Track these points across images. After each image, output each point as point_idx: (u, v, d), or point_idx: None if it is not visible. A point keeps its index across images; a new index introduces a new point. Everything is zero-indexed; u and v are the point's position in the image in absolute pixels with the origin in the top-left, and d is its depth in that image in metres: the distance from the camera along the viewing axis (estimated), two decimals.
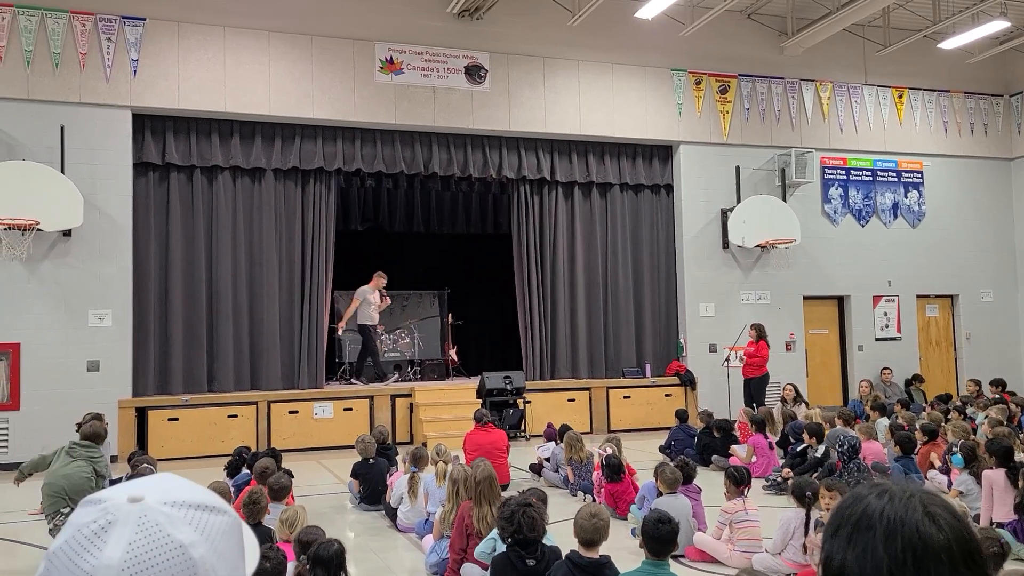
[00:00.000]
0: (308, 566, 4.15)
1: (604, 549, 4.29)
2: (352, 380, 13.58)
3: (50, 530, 6.69)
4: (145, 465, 7.08)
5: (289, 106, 12.38)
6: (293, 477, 6.68)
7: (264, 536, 5.18)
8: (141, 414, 11.57)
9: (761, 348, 12.74)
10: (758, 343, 12.77)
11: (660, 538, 4.07)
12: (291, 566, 4.57)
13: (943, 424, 9.16)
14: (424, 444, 10.76)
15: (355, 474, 8.29)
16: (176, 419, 11.64)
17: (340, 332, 14.01)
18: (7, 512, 8.22)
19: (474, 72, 13.33)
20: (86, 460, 6.87)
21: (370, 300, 13.48)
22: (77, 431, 8.03)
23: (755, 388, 12.70)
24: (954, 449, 7.76)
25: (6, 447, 10.75)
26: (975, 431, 9.06)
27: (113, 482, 8.05)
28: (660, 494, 6.38)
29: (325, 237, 13.00)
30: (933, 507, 1.05)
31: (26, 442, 10.29)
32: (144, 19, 11.75)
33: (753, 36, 15.08)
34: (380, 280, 13.68)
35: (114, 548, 0.83)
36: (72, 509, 5.62)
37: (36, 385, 10.95)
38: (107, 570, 0.82)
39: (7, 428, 10.78)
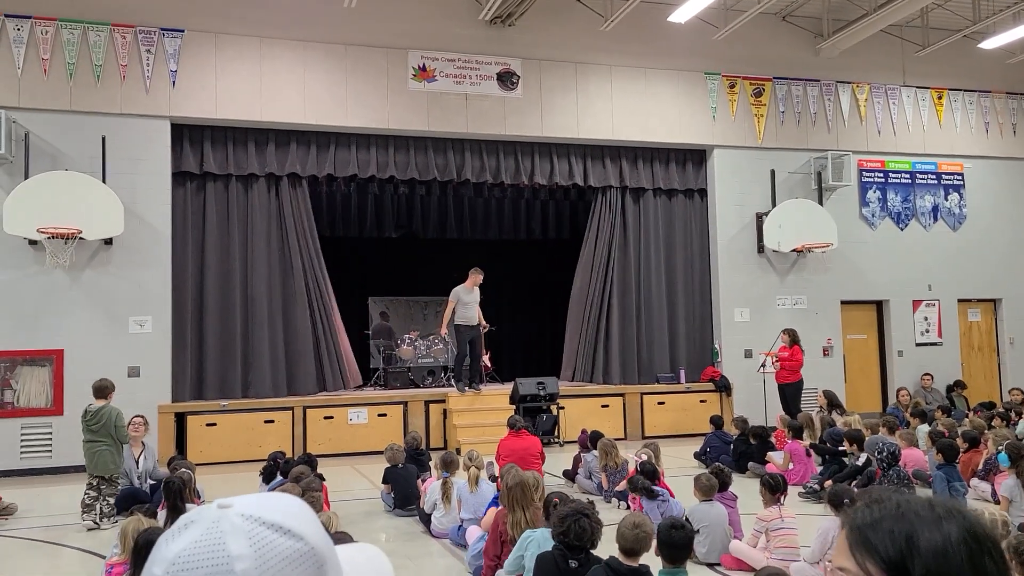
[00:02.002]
0: None
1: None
2: (455, 384, 12.94)
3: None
4: (183, 469, 7.18)
5: (323, 114, 12.52)
6: (324, 481, 6.70)
7: None
8: (180, 419, 11.75)
9: (795, 353, 12.58)
10: (791, 348, 12.62)
11: (675, 544, 4.03)
12: None
13: (985, 431, 8.96)
14: (457, 450, 10.80)
15: (386, 480, 8.34)
16: (214, 424, 11.80)
17: (443, 335, 13.62)
18: (52, 515, 8.39)
19: (506, 79, 13.37)
20: (102, 436, 7.88)
21: (466, 300, 12.73)
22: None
23: (790, 394, 12.54)
24: (1000, 449, 7.64)
25: (50, 452, 10.98)
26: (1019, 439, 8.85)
27: (153, 485, 8.21)
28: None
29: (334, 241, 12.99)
30: (938, 506, 1.05)
31: (69, 447, 10.50)
32: (183, 31, 11.97)
33: (788, 38, 14.94)
34: (477, 277, 12.83)
35: (180, 543, 0.87)
36: (102, 487, 6.75)
37: (79, 391, 11.12)
38: (163, 561, 0.86)
39: (51, 433, 11.01)
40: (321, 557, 0.91)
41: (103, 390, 8.12)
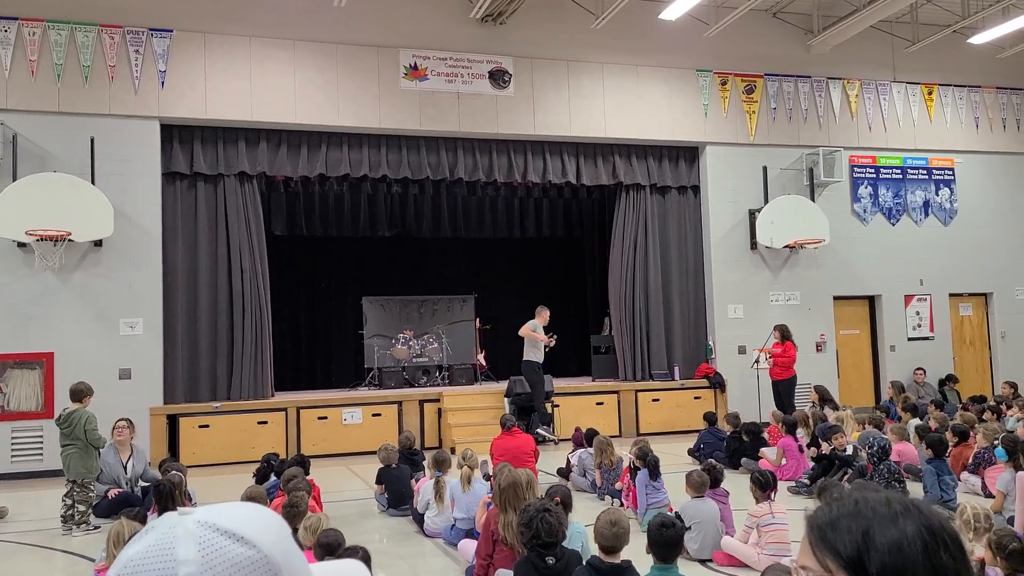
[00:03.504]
0: None
1: (634, 552, 4.29)
2: (540, 432, 12.08)
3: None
4: (174, 472, 7.16)
5: (315, 114, 12.48)
6: (310, 494, 6.61)
7: (296, 543, 5.21)
8: (172, 421, 11.71)
9: (788, 349, 12.61)
10: (784, 344, 12.63)
11: (665, 542, 4.05)
12: None
13: (976, 425, 8.99)
14: (452, 449, 10.78)
15: (379, 480, 8.33)
16: (207, 426, 11.77)
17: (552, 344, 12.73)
18: (43, 519, 8.35)
19: (498, 77, 13.35)
20: (73, 440, 7.86)
21: (534, 338, 12.28)
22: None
23: (783, 390, 12.56)
24: (995, 442, 7.67)
25: (41, 455, 10.93)
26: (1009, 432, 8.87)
27: (144, 488, 8.17)
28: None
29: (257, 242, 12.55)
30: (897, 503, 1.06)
31: (60, 450, 10.43)
32: (171, 31, 11.92)
33: (779, 35, 14.95)
34: (544, 314, 12.55)
35: (136, 547, 0.88)
36: (75, 492, 6.70)
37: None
38: (118, 563, 0.88)
39: (42, 436, 10.96)
40: (275, 566, 0.89)
41: (78, 394, 8.07)
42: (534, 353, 12.22)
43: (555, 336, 12.52)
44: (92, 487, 7.96)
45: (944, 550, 1.01)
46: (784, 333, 12.70)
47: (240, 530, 0.89)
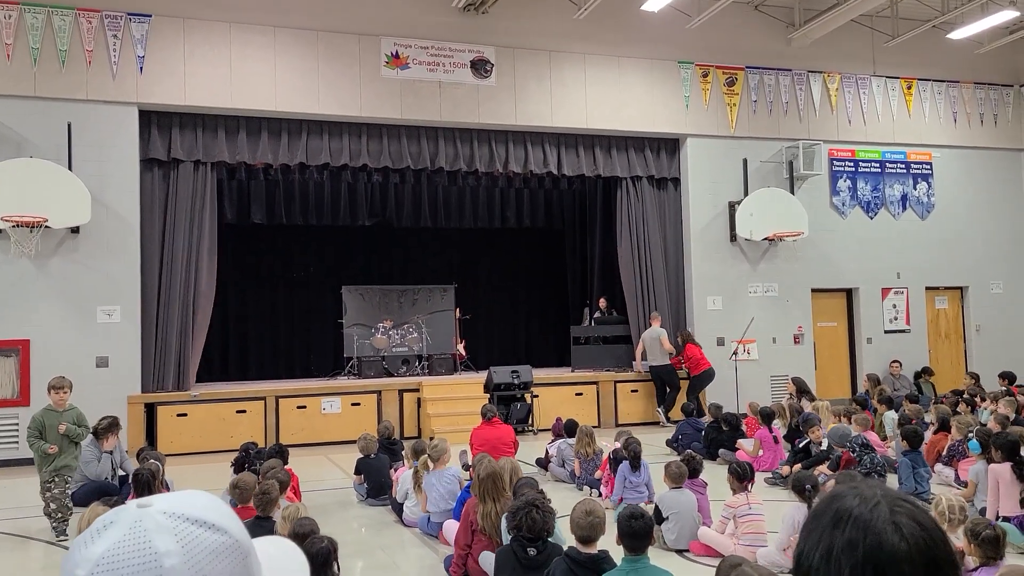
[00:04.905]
0: None
1: (608, 542, 4.32)
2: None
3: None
4: (152, 460, 7.12)
5: (295, 102, 12.39)
6: (289, 483, 6.56)
7: (267, 529, 5.22)
8: (150, 410, 11.64)
9: (689, 349, 13.32)
10: (685, 346, 13.35)
11: (634, 534, 4.08)
12: None
13: (951, 418, 9.12)
14: (432, 438, 10.78)
15: (358, 470, 8.34)
16: (185, 415, 11.71)
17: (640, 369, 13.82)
18: (19, 507, 8.29)
19: (480, 66, 13.31)
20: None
21: (645, 341, 13.46)
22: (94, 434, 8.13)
23: (695, 384, 13.24)
24: (970, 435, 7.79)
25: (17, 443, 10.82)
26: (982, 425, 9.01)
27: (122, 477, 8.12)
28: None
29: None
30: (899, 515, 1.04)
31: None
32: (150, 16, 11.78)
33: (760, 28, 15.00)
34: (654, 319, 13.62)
35: (101, 544, 0.87)
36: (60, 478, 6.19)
37: (45, 381, 10.90)
38: (86, 563, 0.87)
39: (17, 424, 10.86)
40: (245, 549, 0.93)
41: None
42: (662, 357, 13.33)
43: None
44: (70, 481, 7.46)
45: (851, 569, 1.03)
46: (685, 337, 13.52)
47: (209, 518, 0.91)
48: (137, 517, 0.89)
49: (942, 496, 5.10)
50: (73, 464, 7.37)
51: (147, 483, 6.14)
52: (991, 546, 4.26)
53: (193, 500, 0.93)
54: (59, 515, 7.06)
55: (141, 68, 11.71)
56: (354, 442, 8.74)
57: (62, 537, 6.99)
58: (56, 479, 7.08)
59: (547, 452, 9.57)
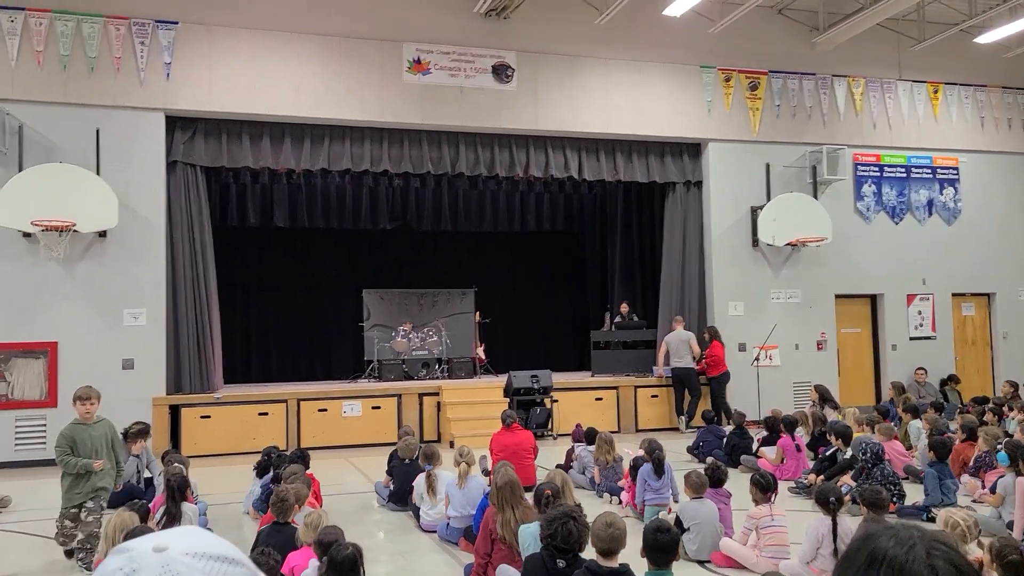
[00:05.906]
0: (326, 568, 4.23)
1: (630, 555, 4.30)
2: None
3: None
4: (177, 465, 7.19)
5: (317, 107, 12.48)
6: (310, 489, 6.64)
7: (289, 536, 5.26)
8: (175, 412, 11.76)
9: (715, 348, 13.28)
10: (711, 343, 13.33)
11: (660, 548, 4.04)
12: (313, 565, 4.67)
13: (977, 429, 9.01)
14: (451, 443, 10.81)
15: (390, 471, 8.30)
16: (208, 416, 11.83)
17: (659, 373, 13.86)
18: (46, 508, 8.39)
19: (501, 72, 13.33)
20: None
21: (671, 343, 13.43)
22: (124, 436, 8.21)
23: (715, 386, 13.24)
24: (997, 446, 7.69)
25: (44, 444, 10.98)
26: (1009, 436, 8.90)
27: (147, 479, 8.21)
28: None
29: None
30: (936, 558, 1.04)
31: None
32: (176, 23, 11.91)
33: (784, 32, 14.91)
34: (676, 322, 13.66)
35: None
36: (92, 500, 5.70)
37: (73, 383, 10.97)
38: None
39: (45, 425, 11.02)
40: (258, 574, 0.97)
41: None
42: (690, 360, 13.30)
43: None
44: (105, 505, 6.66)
45: None
46: (712, 333, 13.45)
47: (228, 553, 0.94)
48: (163, 561, 0.91)
49: (948, 515, 4.98)
50: (110, 485, 6.56)
51: (179, 488, 6.21)
52: (1014, 572, 4.19)
53: (202, 538, 0.96)
54: (88, 545, 6.22)
55: (168, 74, 11.85)
56: (375, 445, 8.76)
57: (86, 570, 6.25)
58: (92, 500, 6.32)
59: (568, 456, 9.53)
